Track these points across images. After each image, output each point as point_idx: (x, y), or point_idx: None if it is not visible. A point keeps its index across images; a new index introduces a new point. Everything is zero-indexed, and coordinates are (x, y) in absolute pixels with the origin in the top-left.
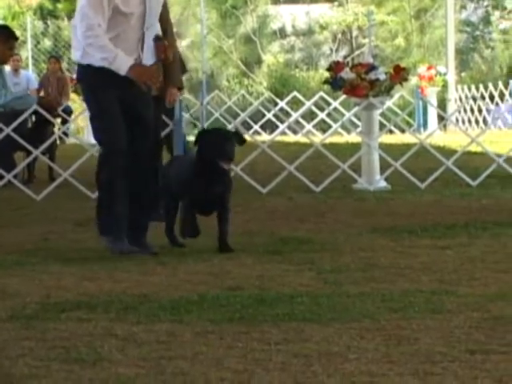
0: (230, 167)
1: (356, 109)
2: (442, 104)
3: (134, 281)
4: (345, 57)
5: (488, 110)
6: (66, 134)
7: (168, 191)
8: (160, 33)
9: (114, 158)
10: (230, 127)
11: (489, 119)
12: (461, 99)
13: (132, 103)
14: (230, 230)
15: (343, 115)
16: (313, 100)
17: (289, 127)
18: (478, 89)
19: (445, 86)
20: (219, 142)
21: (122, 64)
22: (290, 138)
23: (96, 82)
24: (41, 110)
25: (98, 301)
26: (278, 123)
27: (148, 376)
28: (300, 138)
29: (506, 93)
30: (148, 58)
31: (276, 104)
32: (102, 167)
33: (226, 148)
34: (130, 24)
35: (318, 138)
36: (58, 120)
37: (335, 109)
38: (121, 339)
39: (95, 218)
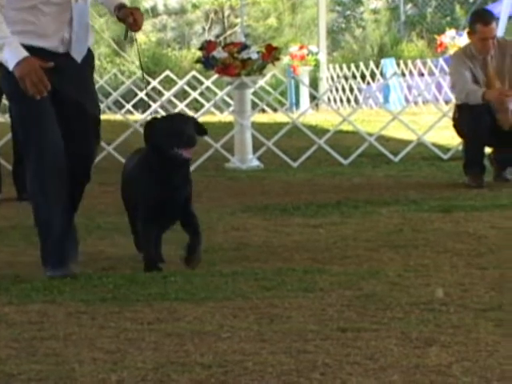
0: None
1: (228, 88)
2: (314, 83)
3: (5, 261)
4: (217, 36)
5: (359, 90)
6: None
7: (127, 200)
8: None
9: (42, 173)
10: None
11: (360, 98)
12: (332, 78)
13: (70, 94)
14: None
15: (216, 94)
16: (185, 79)
17: (161, 106)
18: (349, 68)
19: (317, 65)
20: (174, 126)
21: (11, 55)
22: None
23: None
24: None
25: None
26: (151, 102)
27: (20, 357)
28: None
29: (377, 72)
30: (80, 41)
31: (148, 83)
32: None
33: (184, 132)
34: None
35: None
36: None
37: (208, 88)
38: None
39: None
